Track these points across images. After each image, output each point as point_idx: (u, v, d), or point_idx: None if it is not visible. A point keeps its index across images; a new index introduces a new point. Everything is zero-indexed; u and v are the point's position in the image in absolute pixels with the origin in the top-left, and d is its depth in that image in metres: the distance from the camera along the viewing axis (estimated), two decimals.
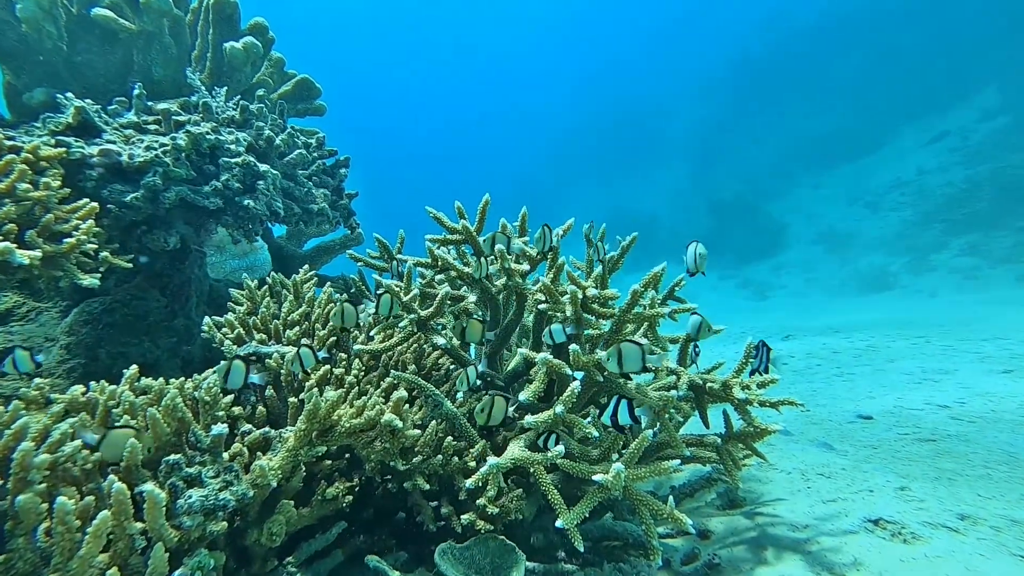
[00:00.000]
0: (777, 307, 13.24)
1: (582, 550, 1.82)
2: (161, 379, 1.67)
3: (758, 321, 10.85)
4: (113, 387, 1.55)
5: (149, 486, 1.29)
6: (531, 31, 45.42)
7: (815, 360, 6.03)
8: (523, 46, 46.25)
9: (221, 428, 1.59)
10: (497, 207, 2.54)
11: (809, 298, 13.82)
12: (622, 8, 41.58)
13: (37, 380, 1.52)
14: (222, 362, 1.88)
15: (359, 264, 3.07)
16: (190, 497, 1.38)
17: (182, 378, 1.74)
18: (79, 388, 1.56)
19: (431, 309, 2.26)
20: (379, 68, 49.30)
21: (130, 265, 2.23)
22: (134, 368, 1.64)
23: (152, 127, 2.55)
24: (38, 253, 1.71)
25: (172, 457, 1.44)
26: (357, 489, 2.05)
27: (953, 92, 19.38)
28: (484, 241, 2.28)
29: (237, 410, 1.95)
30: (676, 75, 36.08)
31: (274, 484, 1.67)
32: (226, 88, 2.94)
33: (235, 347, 2.13)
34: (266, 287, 2.48)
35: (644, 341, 1.92)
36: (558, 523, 1.79)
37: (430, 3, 45.67)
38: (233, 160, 2.57)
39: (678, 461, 1.70)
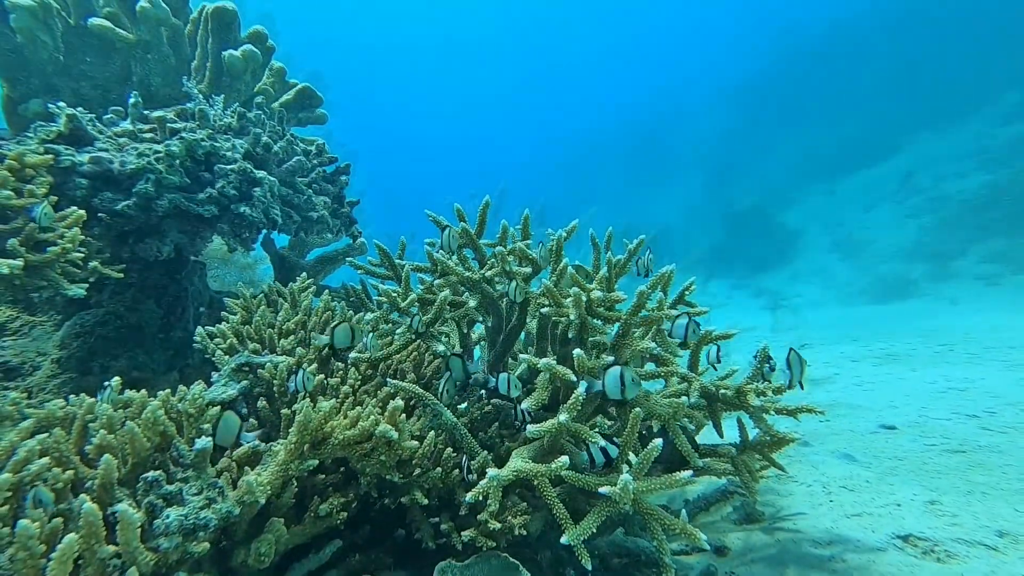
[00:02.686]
0: (793, 316, 12.99)
1: (589, 568, 1.71)
2: (143, 391, 1.59)
3: (773, 330, 10.64)
4: (92, 400, 1.47)
5: (122, 506, 1.20)
6: (546, 44, 45.88)
7: (833, 369, 5.85)
8: (537, 59, 46.74)
9: (205, 442, 1.50)
10: (511, 217, 2.46)
11: (825, 307, 13.53)
12: (636, 22, 41.90)
13: (12, 395, 1.45)
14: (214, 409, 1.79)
15: (360, 272, 3.01)
16: (168, 517, 1.30)
17: (167, 390, 1.66)
18: (58, 403, 1.49)
19: (430, 315, 2.17)
20: (388, 78, 50.09)
21: (121, 275, 2.17)
22: (116, 380, 1.56)
23: (148, 135, 2.51)
24: (19, 262, 1.65)
25: (151, 474, 1.36)
26: (353, 505, 1.96)
27: (971, 98, 19.09)
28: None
29: None
30: (689, 87, 36.25)
31: (262, 501, 1.58)
32: (224, 96, 2.91)
33: (227, 357, 2.06)
34: (261, 295, 2.42)
35: (652, 344, 1.82)
36: (564, 539, 1.69)
37: (445, 11, 46.37)
38: (229, 167, 2.52)
39: (691, 472, 1.58)
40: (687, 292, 2.64)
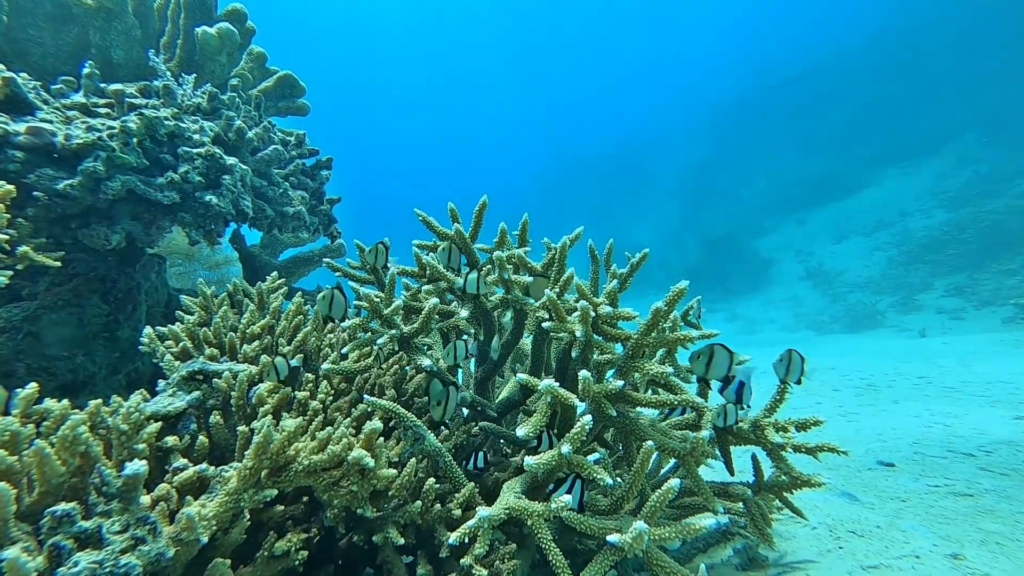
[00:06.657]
0: (767, 341, 13.07)
1: None
2: (66, 401, 1.31)
3: (749, 354, 10.63)
4: None
5: (12, 551, 0.93)
6: (526, 70, 46.41)
7: (815, 397, 5.77)
8: (518, 84, 47.29)
9: (137, 466, 1.23)
10: (487, 233, 2.24)
11: (798, 333, 13.68)
12: (616, 50, 42.83)
13: None
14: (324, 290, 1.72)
15: (337, 275, 2.75)
16: (76, 564, 1.02)
17: (98, 400, 1.38)
18: None
19: (416, 325, 1.93)
20: (374, 85, 50.07)
21: (59, 264, 1.88)
22: (32, 387, 1.28)
23: (103, 111, 2.23)
24: None
25: (60, 507, 1.08)
26: (316, 540, 1.70)
27: (933, 138, 19.94)
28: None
29: (171, 440, 1.59)
30: (670, 115, 37.22)
31: (205, 539, 1.31)
32: (195, 76, 2.64)
33: (177, 363, 1.78)
34: (224, 294, 2.14)
35: (668, 369, 1.62)
36: None
37: (429, 31, 46.57)
38: (195, 150, 2.25)
39: (714, 521, 1.37)
40: (689, 313, 2.48)
